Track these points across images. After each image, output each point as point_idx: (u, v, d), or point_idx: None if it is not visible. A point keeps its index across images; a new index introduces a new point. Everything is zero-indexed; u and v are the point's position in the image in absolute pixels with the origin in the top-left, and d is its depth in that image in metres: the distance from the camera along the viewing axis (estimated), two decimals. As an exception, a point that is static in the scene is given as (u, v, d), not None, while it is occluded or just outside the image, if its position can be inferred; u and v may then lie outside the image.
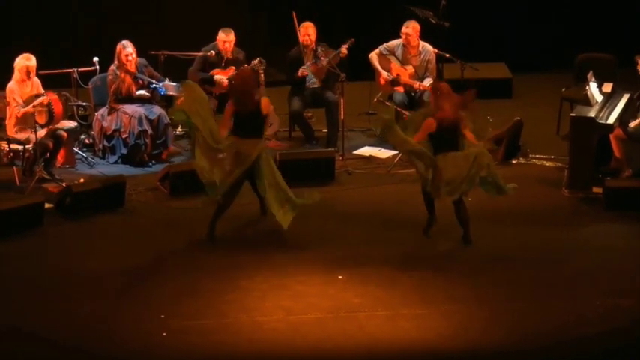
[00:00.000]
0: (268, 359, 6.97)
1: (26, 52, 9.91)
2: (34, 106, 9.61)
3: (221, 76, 10.80)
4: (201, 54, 10.89)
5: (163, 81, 10.53)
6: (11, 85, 9.80)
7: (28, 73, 9.77)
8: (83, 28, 12.73)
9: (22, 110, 9.68)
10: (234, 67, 10.79)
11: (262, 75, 10.79)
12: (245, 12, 13.23)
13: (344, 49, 10.76)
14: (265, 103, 8.72)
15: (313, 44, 10.92)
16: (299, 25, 10.94)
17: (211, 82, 10.82)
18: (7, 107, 9.80)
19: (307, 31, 10.92)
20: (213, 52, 10.83)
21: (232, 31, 10.82)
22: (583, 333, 7.20)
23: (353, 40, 10.77)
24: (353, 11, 13.39)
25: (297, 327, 7.30)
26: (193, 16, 12.94)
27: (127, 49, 10.38)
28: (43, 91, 9.85)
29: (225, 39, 10.80)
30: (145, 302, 7.63)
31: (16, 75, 9.80)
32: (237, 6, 13.18)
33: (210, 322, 7.34)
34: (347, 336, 7.19)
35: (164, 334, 7.17)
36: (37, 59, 9.89)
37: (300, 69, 10.85)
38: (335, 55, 10.79)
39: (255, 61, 10.78)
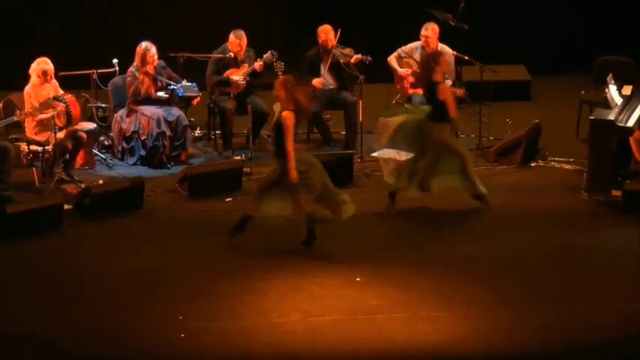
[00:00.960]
0: (286, 362, 6.97)
1: (45, 55, 9.93)
2: (53, 111, 9.59)
3: (237, 77, 10.78)
4: (215, 56, 10.87)
5: (180, 82, 10.53)
6: (28, 89, 9.83)
7: (45, 75, 9.78)
8: (102, 30, 12.76)
9: (38, 117, 9.68)
10: (247, 65, 10.80)
11: (280, 72, 10.77)
12: (261, 13, 13.24)
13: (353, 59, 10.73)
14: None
15: (331, 47, 10.88)
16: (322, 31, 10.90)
17: (227, 83, 10.81)
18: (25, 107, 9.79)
19: (328, 36, 10.88)
20: (232, 54, 10.80)
21: (243, 33, 10.82)
22: (604, 337, 7.14)
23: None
24: (372, 13, 13.39)
25: (314, 329, 7.27)
26: (210, 17, 12.96)
27: (151, 50, 10.40)
28: (61, 92, 9.86)
29: (239, 42, 10.78)
30: (163, 303, 7.62)
31: (33, 79, 9.83)
32: (253, 8, 13.18)
33: (227, 324, 7.32)
34: (365, 339, 7.15)
35: (182, 335, 7.15)
36: (57, 61, 9.92)
37: (314, 81, 10.81)
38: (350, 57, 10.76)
39: (267, 55, 10.80)
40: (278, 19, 13.37)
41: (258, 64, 10.78)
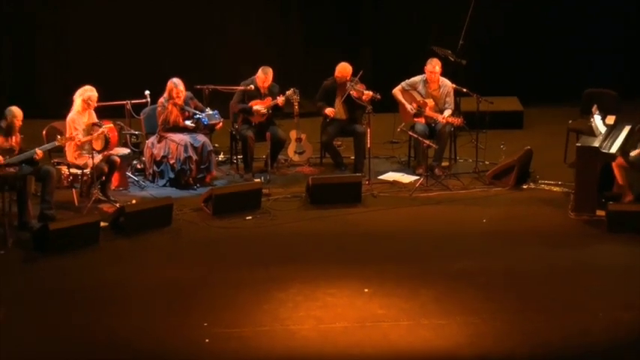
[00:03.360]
0: (300, 364, 6.98)
1: (87, 84, 9.98)
2: (95, 136, 9.65)
3: (260, 107, 10.84)
4: (241, 88, 10.95)
5: (205, 111, 10.57)
6: (72, 115, 9.83)
7: (89, 102, 9.81)
8: (136, 64, 12.84)
9: (83, 139, 9.75)
10: (270, 99, 10.86)
11: (297, 105, 10.87)
12: (281, 49, 13.29)
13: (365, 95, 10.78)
14: None
15: (346, 80, 10.92)
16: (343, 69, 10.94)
17: (250, 112, 10.87)
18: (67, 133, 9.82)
19: (344, 73, 10.91)
20: (252, 87, 10.87)
21: (271, 69, 10.87)
22: (588, 343, 7.14)
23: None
24: (380, 48, 13.43)
25: (326, 335, 7.28)
26: (234, 53, 13.04)
27: (178, 87, 10.43)
28: (97, 120, 9.88)
29: (265, 77, 10.84)
30: (189, 312, 7.63)
31: (77, 106, 9.84)
32: (274, 45, 13.25)
33: (248, 330, 7.33)
34: (372, 344, 7.16)
35: (207, 340, 7.17)
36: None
37: (326, 110, 10.87)
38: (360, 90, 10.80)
39: (289, 92, 10.85)
40: (296, 54, 13.42)
41: (280, 100, 10.81)
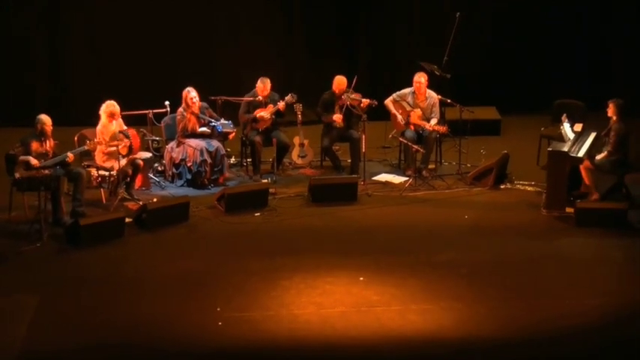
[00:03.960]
0: (303, 345, 6.94)
1: (112, 97, 9.95)
2: (117, 146, 9.63)
3: (263, 113, 10.80)
4: (247, 99, 10.91)
5: (219, 120, 10.56)
6: (99, 127, 9.83)
7: (112, 116, 9.80)
8: (157, 78, 12.82)
9: (110, 149, 9.73)
10: (272, 106, 10.82)
11: (300, 114, 10.80)
12: (287, 62, 13.29)
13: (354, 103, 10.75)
14: None
15: (342, 93, 10.89)
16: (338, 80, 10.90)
17: (255, 120, 10.84)
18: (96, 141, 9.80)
19: (340, 86, 10.89)
20: (260, 98, 10.84)
21: (268, 79, 10.83)
22: (561, 326, 7.12)
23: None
24: (375, 63, 13.42)
25: (326, 319, 7.28)
26: (244, 67, 13.03)
27: (191, 93, 10.43)
28: (125, 127, 9.87)
29: (264, 86, 10.82)
30: (204, 298, 7.63)
31: (103, 119, 9.83)
32: (281, 57, 13.24)
33: (256, 315, 7.32)
34: (367, 327, 7.16)
35: (220, 323, 7.17)
36: (121, 103, 9.93)
37: (334, 116, 10.83)
38: (354, 99, 10.77)
39: (288, 97, 10.81)
40: (298, 67, 13.40)
41: (281, 105, 10.80)
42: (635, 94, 12.39)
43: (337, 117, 10.86)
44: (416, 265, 8.26)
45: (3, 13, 12.74)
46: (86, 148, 9.45)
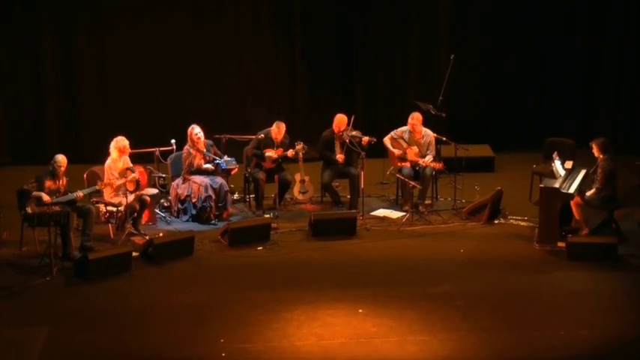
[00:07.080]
0: (304, 375, 6.98)
1: (120, 135, 10.07)
2: (128, 180, 9.73)
3: (270, 153, 10.89)
4: (259, 137, 10.97)
5: (224, 158, 10.63)
6: (108, 162, 9.90)
7: (123, 150, 9.90)
8: (163, 118, 12.93)
9: (118, 183, 9.82)
10: (282, 150, 10.88)
11: (302, 153, 10.90)
12: (290, 99, 13.41)
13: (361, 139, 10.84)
14: None
15: (343, 131, 10.98)
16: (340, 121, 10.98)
17: (263, 157, 10.91)
18: (105, 178, 9.88)
19: (339, 125, 10.96)
20: (263, 135, 10.91)
21: (284, 124, 10.88)
22: (551, 356, 7.15)
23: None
24: (373, 103, 13.53)
25: (326, 350, 7.29)
26: (248, 106, 13.16)
27: (195, 129, 10.50)
28: (131, 165, 9.96)
29: (278, 130, 10.88)
30: (209, 329, 7.64)
31: (113, 154, 9.91)
32: (284, 93, 13.35)
33: (259, 346, 7.33)
34: (367, 357, 7.17)
35: (223, 354, 7.18)
36: (129, 142, 10.01)
37: (339, 156, 10.91)
38: (354, 136, 10.85)
39: (298, 147, 10.85)
40: (302, 107, 13.52)
41: (290, 153, 10.79)
42: (622, 131, 12.56)
43: (340, 157, 10.94)
44: (413, 297, 8.27)
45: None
46: (97, 188, 9.57)
